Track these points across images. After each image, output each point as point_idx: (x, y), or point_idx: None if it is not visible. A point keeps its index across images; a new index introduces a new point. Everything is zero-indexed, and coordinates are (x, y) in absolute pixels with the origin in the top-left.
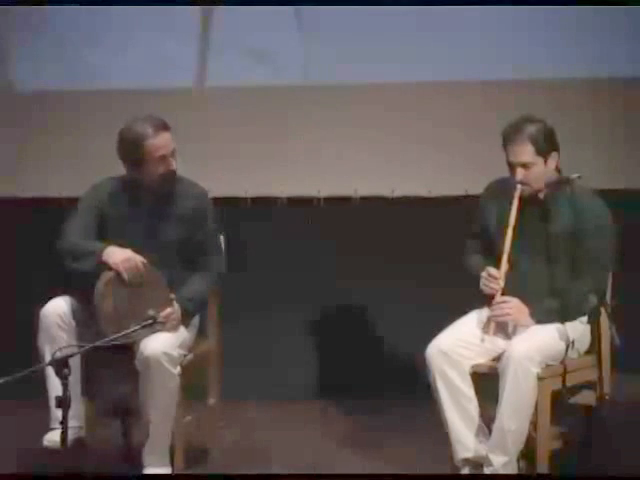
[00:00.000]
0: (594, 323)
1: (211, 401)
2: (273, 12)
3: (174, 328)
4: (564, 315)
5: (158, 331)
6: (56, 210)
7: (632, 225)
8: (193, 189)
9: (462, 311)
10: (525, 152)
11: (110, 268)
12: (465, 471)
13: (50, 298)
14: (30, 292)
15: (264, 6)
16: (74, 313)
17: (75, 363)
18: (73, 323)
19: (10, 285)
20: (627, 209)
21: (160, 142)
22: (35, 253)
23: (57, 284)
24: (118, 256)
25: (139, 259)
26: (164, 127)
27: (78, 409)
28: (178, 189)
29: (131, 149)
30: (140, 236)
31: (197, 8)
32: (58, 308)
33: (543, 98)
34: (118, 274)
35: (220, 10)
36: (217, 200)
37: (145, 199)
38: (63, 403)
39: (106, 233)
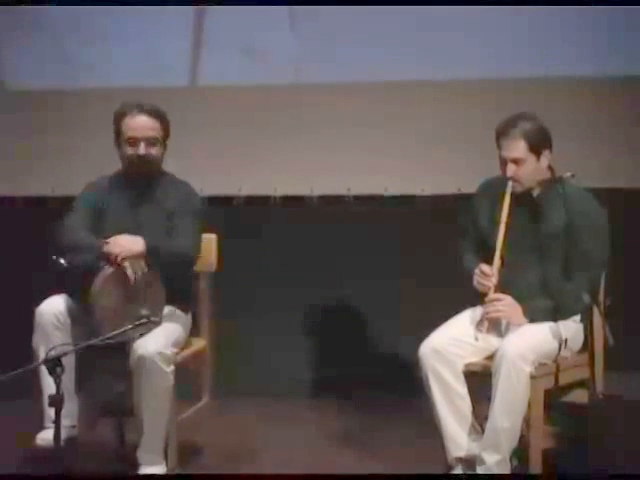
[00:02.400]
0: (587, 322)
1: (205, 399)
2: (267, 11)
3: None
4: (557, 314)
5: (152, 330)
6: (53, 208)
7: (631, 224)
8: (185, 188)
9: (457, 309)
10: (517, 148)
11: (110, 263)
12: (458, 469)
13: (46, 297)
14: (26, 291)
15: (259, 5)
16: (70, 311)
17: (69, 362)
18: (69, 322)
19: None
20: (627, 208)
21: (133, 123)
22: (32, 252)
23: (53, 283)
24: (119, 249)
25: (137, 253)
26: (147, 111)
27: (72, 408)
28: (168, 186)
29: (114, 126)
30: (132, 232)
31: (191, 7)
32: (54, 307)
33: (541, 97)
34: (116, 271)
35: (215, 9)
36: (211, 198)
37: (136, 195)
38: (56, 402)
39: (103, 229)
